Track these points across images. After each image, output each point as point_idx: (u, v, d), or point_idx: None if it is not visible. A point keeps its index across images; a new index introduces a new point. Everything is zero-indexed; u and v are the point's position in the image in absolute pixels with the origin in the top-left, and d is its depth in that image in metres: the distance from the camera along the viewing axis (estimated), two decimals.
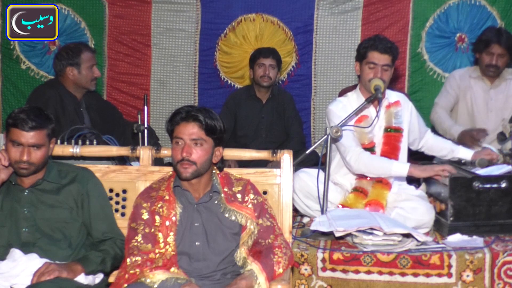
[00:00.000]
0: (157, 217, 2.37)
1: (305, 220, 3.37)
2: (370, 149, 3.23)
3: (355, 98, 3.32)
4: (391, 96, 3.36)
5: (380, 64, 3.19)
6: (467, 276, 2.78)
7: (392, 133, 3.27)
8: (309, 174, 3.27)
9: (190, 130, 2.34)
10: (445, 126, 3.98)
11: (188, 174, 2.34)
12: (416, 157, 3.72)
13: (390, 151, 3.25)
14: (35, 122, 2.39)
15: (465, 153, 3.42)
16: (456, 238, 2.99)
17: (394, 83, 4.74)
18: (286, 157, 2.74)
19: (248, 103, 4.41)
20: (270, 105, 4.42)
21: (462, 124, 4.05)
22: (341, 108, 3.26)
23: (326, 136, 3.02)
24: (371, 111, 3.27)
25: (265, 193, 2.70)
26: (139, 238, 2.34)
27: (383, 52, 3.19)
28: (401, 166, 3.16)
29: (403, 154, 3.31)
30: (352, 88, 3.80)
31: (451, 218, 3.04)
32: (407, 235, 2.88)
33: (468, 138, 3.82)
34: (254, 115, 4.41)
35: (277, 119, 4.43)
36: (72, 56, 3.65)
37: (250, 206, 2.43)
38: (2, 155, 2.43)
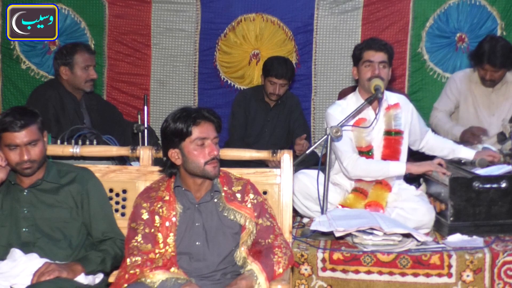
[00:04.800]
0: (156, 217, 2.37)
1: (305, 220, 3.37)
2: (367, 152, 3.23)
3: (354, 101, 3.31)
4: (391, 98, 3.35)
5: (376, 61, 3.20)
6: (467, 276, 2.78)
7: (393, 136, 3.26)
8: (308, 176, 3.27)
9: (211, 129, 2.37)
10: (447, 127, 3.97)
11: (218, 171, 2.40)
12: (416, 157, 3.72)
13: (391, 155, 3.24)
14: (23, 120, 2.39)
15: (467, 153, 3.42)
16: (456, 238, 2.98)
17: (394, 83, 4.74)
18: (286, 157, 2.74)
19: (256, 105, 4.40)
20: (277, 109, 4.41)
21: (463, 128, 4.03)
22: (340, 111, 3.26)
23: (326, 136, 3.02)
24: (369, 113, 3.26)
25: (265, 193, 2.70)
26: (139, 238, 2.34)
27: (378, 49, 3.21)
28: (398, 166, 3.17)
29: (403, 156, 3.30)
30: (351, 88, 3.80)
31: (451, 218, 3.04)
32: (407, 235, 2.88)
33: (469, 135, 3.82)
34: (261, 117, 4.40)
35: (283, 122, 4.42)
36: (66, 55, 3.64)
37: (249, 206, 2.43)
38: None
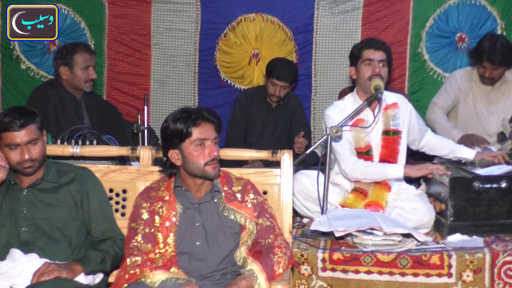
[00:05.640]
0: (156, 217, 2.37)
1: (305, 220, 3.36)
2: (366, 152, 3.23)
3: (352, 102, 3.31)
4: (389, 97, 3.34)
5: (376, 60, 3.20)
6: (467, 276, 2.78)
7: (391, 136, 3.26)
8: (308, 176, 3.26)
9: (211, 130, 2.37)
10: (446, 127, 3.96)
11: (218, 172, 2.39)
12: (416, 157, 3.72)
13: (389, 154, 3.24)
14: (22, 119, 2.40)
15: (467, 153, 3.41)
16: (456, 238, 2.98)
17: (394, 83, 4.74)
18: (286, 157, 2.74)
19: (258, 105, 4.40)
20: (279, 110, 4.41)
21: (462, 126, 4.02)
22: (337, 112, 3.26)
23: (326, 136, 3.02)
24: (367, 114, 3.26)
25: (265, 193, 2.70)
26: (139, 238, 2.34)
27: (377, 48, 3.22)
28: (396, 169, 3.17)
29: (402, 156, 3.30)
30: (351, 88, 3.79)
31: (451, 218, 3.04)
32: (407, 235, 2.88)
33: (469, 143, 3.78)
34: (262, 118, 4.40)
35: (284, 123, 4.42)
36: (65, 55, 3.64)
37: (249, 205, 2.43)
38: None
